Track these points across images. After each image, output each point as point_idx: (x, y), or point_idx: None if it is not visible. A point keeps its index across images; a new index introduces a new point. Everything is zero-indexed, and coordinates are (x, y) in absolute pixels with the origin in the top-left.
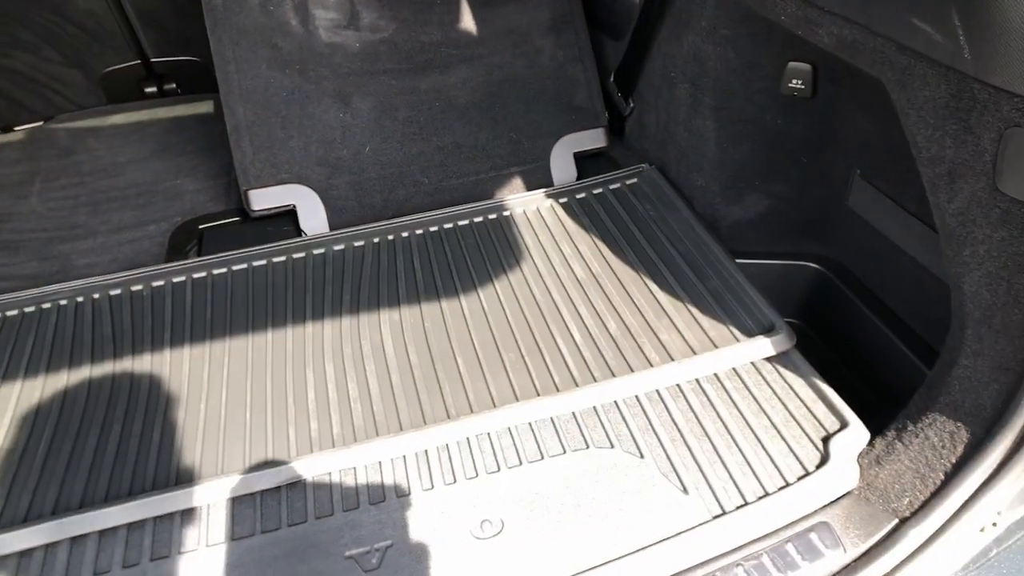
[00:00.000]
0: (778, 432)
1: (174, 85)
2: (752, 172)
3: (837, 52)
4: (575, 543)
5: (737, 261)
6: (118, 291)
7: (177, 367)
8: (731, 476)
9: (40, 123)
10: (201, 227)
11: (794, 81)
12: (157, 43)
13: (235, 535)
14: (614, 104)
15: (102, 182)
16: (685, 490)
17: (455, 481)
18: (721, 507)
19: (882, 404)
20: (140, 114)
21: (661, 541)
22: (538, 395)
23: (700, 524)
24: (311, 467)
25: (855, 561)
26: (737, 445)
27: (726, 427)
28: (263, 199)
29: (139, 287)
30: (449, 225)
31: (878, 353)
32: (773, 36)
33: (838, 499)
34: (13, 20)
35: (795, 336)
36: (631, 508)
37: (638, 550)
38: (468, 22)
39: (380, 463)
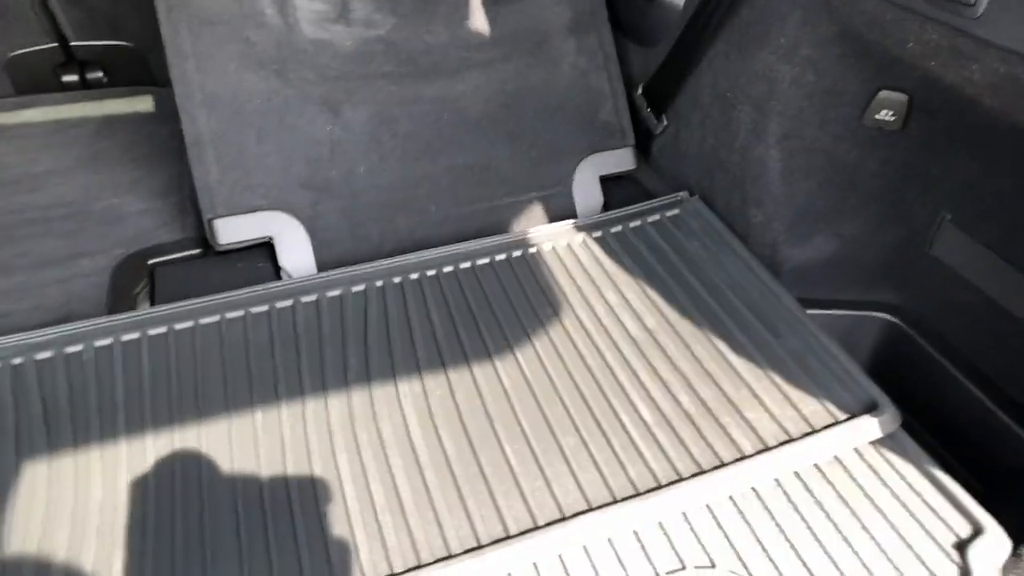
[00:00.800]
0: (903, 541)
1: (100, 74)
2: (821, 209)
3: (994, 91)
4: None
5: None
6: (48, 353)
7: (136, 460)
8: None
9: None
10: (151, 262)
11: (884, 112)
12: (79, 23)
13: None
14: (639, 120)
15: (15, 199)
16: None
17: None
18: None
19: (987, 490)
20: (60, 110)
21: None
22: (615, 500)
23: None
24: None
25: None
26: (862, 562)
27: (842, 535)
28: (232, 230)
29: (76, 348)
30: (466, 264)
31: (973, 425)
32: (866, 60)
33: None
34: None
35: (900, 416)
36: None
37: None
38: (479, 20)
39: None
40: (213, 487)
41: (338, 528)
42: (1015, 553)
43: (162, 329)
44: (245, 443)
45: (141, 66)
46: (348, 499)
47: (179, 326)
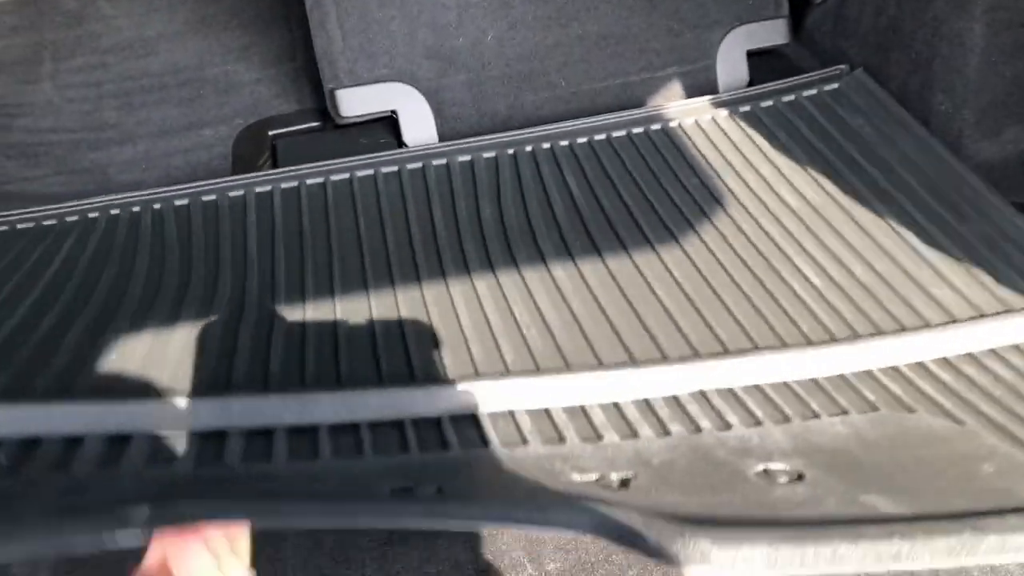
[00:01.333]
0: None
1: None
2: (1022, 98)
3: None
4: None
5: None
6: (184, 201)
7: (266, 302)
8: None
9: None
10: (271, 133)
11: None
12: None
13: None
14: None
15: (129, 64)
16: None
17: (699, 431)
18: None
19: None
20: None
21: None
22: (785, 345)
23: None
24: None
25: None
26: None
27: None
28: (356, 102)
29: (211, 197)
30: (601, 136)
31: None
32: None
33: None
34: None
35: None
36: (978, 474)
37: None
38: None
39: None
40: (349, 334)
41: (480, 335)
42: None
43: (293, 183)
44: (383, 291)
45: None
46: (489, 314)
47: (310, 181)
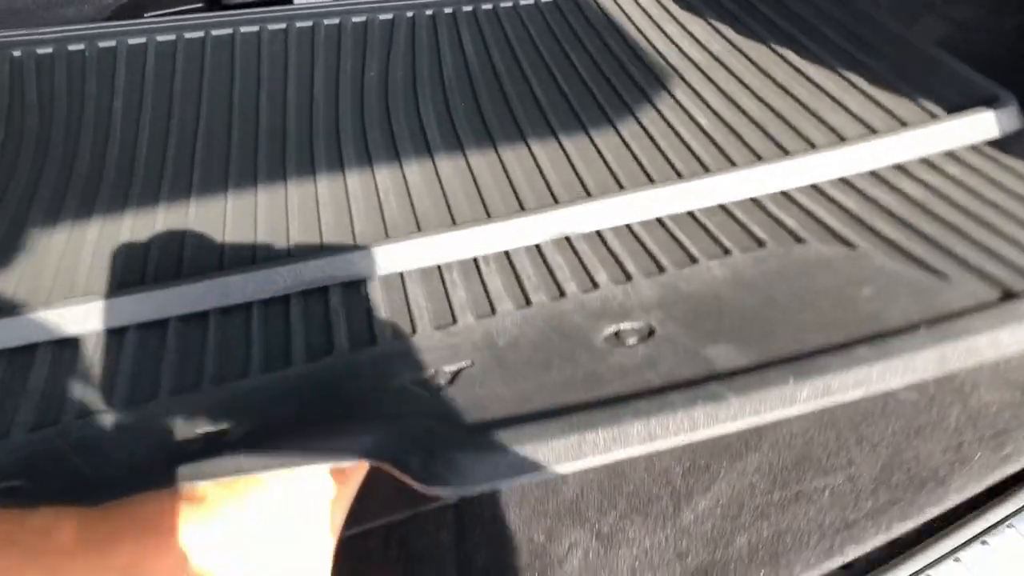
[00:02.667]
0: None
1: None
2: None
3: None
4: (776, 343)
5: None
6: (48, 49)
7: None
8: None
9: None
10: None
11: None
12: None
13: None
14: None
15: None
16: (939, 274)
17: (562, 295)
18: (1008, 288)
19: None
20: None
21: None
22: (652, 182)
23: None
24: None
25: None
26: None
27: (965, 211)
28: None
29: (79, 47)
30: (507, 3)
31: None
32: None
33: None
34: None
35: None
36: (853, 299)
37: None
38: None
39: (439, 268)
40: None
41: (336, 200)
42: None
43: (170, 37)
44: (246, 141)
45: None
46: (349, 187)
47: (188, 35)
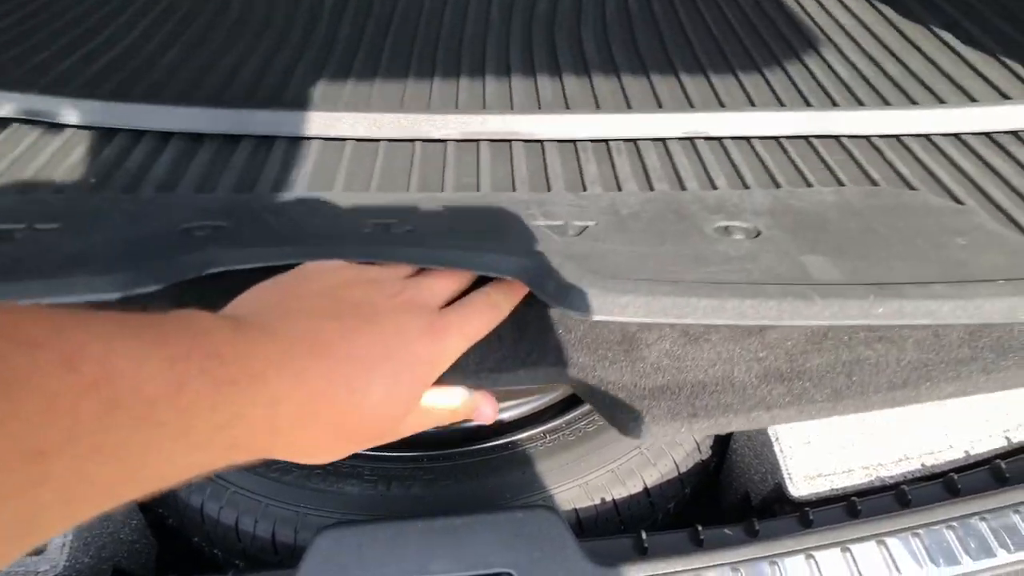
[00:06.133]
0: None
1: None
2: None
3: None
4: (870, 264)
5: None
6: None
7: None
8: None
9: None
10: None
11: None
12: None
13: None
14: None
15: None
16: None
17: (683, 188)
18: None
19: None
20: None
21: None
22: (782, 105)
23: None
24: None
25: None
26: None
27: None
28: None
29: None
30: None
31: None
32: None
33: None
34: None
35: None
36: (947, 245)
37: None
38: None
39: (575, 144)
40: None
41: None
42: None
43: None
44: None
45: None
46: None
47: None
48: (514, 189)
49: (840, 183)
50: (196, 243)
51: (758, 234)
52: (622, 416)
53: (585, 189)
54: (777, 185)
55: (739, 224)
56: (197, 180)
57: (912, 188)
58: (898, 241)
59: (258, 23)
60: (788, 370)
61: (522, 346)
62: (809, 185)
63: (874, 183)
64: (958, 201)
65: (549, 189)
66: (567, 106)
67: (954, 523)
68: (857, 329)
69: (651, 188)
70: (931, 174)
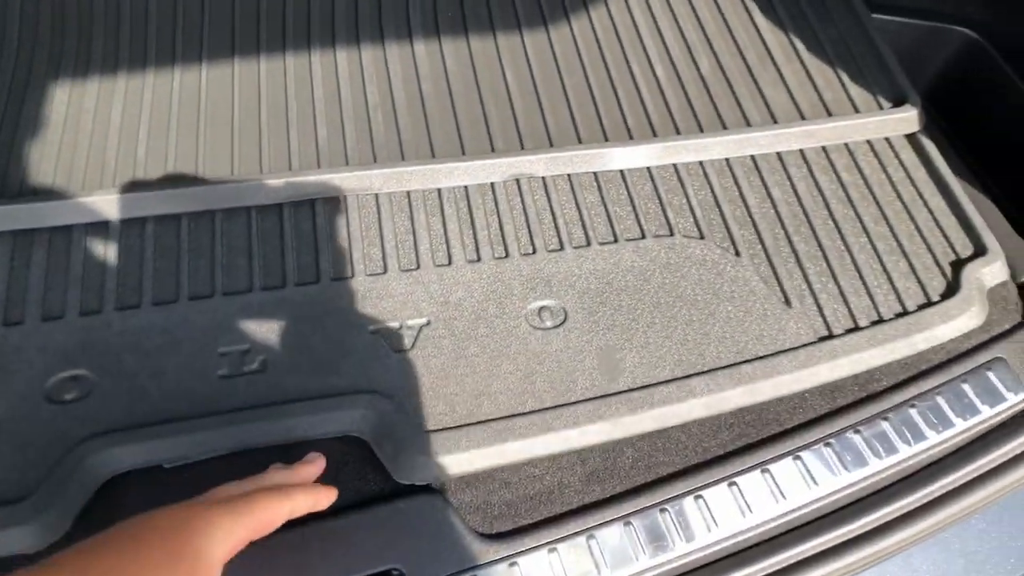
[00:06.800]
0: (899, 245)
1: None
2: None
3: None
4: (650, 347)
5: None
6: None
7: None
8: (841, 292)
9: None
10: None
11: None
12: None
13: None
14: None
15: None
16: (788, 302)
17: (507, 255)
18: (828, 328)
19: None
20: None
21: (758, 358)
22: (606, 140)
23: (805, 344)
24: (318, 185)
25: None
26: (851, 254)
27: (838, 229)
28: None
29: None
30: None
31: None
32: None
33: (1010, 332)
34: None
35: (924, 117)
36: (721, 315)
37: (726, 366)
38: None
39: (408, 195)
40: (214, 77)
41: (329, 117)
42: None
43: None
44: (247, 38)
45: None
46: (342, 93)
47: None
48: (353, 275)
49: (643, 233)
50: (74, 424)
51: (564, 319)
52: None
53: (418, 266)
54: (588, 242)
55: (550, 304)
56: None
57: (702, 235)
58: (681, 314)
59: None
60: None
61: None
62: (615, 239)
63: (671, 230)
64: (737, 252)
65: (385, 271)
66: (402, 157)
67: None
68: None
69: (478, 257)
70: (721, 212)
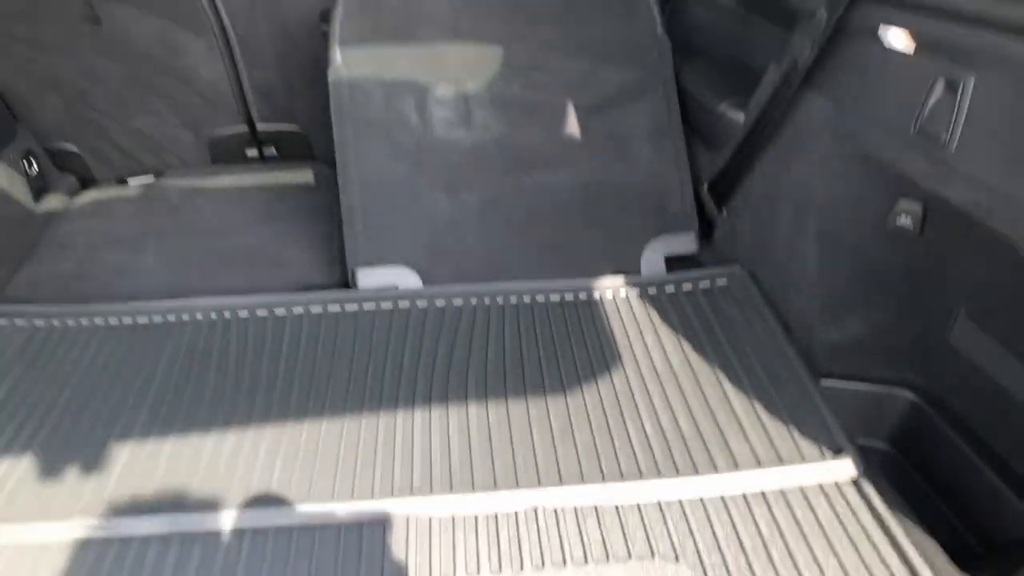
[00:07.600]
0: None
1: (274, 150)
2: (852, 298)
3: (968, 210)
4: None
5: (829, 381)
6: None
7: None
8: None
9: (151, 178)
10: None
11: (903, 218)
12: (264, 112)
13: None
14: (706, 211)
15: (211, 243)
16: None
17: (522, 568)
18: None
19: (987, 551)
20: (244, 178)
21: None
22: (603, 479)
23: None
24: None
25: None
26: None
27: (791, 556)
28: (369, 277)
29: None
30: (541, 299)
31: (981, 496)
32: (886, 175)
33: None
34: (147, 88)
35: (863, 464)
36: None
37: None
38: (573, 126)
39: (453, 519)
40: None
41: (403, 456)
42: None
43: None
44: (357, 392)
45: (305, 145)
46: (415, 439)
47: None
48: None
49: (630, 554)
50: None
51: None
52: None
53: None
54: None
55: None
56: None
57: (677, 558)
58: None
59: None
60: None
61: None
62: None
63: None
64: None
65: None
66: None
67: None
68: None
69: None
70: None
